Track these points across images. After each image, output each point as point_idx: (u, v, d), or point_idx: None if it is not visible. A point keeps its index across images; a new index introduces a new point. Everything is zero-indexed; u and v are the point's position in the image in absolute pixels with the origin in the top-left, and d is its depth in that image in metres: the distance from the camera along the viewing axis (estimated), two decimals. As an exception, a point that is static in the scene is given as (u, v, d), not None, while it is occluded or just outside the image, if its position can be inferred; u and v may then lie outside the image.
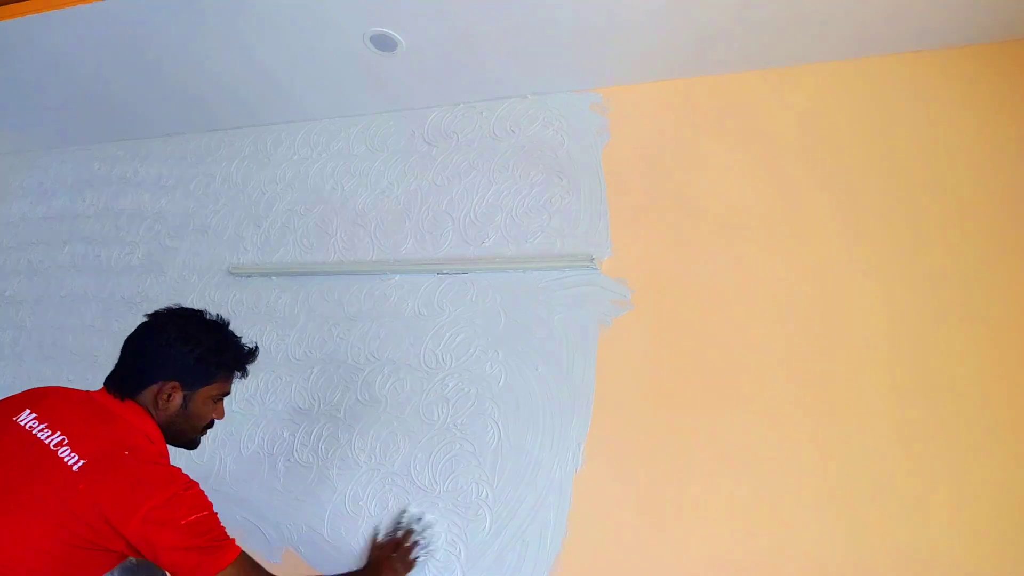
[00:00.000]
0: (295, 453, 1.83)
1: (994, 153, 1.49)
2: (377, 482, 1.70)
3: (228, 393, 1.36)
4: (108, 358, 2.26)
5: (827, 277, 1.52)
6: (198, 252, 2.27)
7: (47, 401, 1.22)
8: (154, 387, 1.24)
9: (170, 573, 1.11)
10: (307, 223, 2.13)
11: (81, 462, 1.10)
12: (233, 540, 1.16)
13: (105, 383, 1.27)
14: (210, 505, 1.17)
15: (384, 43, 1.82)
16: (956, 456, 1.32)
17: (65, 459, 1.10)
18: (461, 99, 2.05)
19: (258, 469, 1.85)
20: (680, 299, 1.61)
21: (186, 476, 1.17)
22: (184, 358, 1.26)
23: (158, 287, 2.28)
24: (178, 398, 1.26)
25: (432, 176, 2.01)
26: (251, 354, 1.37)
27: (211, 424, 1.36)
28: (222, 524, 1.17)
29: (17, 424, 1.16)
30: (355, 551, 1.65)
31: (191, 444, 1.35)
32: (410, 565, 1.46)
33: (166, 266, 2.30)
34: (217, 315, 1.35)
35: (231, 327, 1.36)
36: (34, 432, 1.14)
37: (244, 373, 1.38)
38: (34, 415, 1.17)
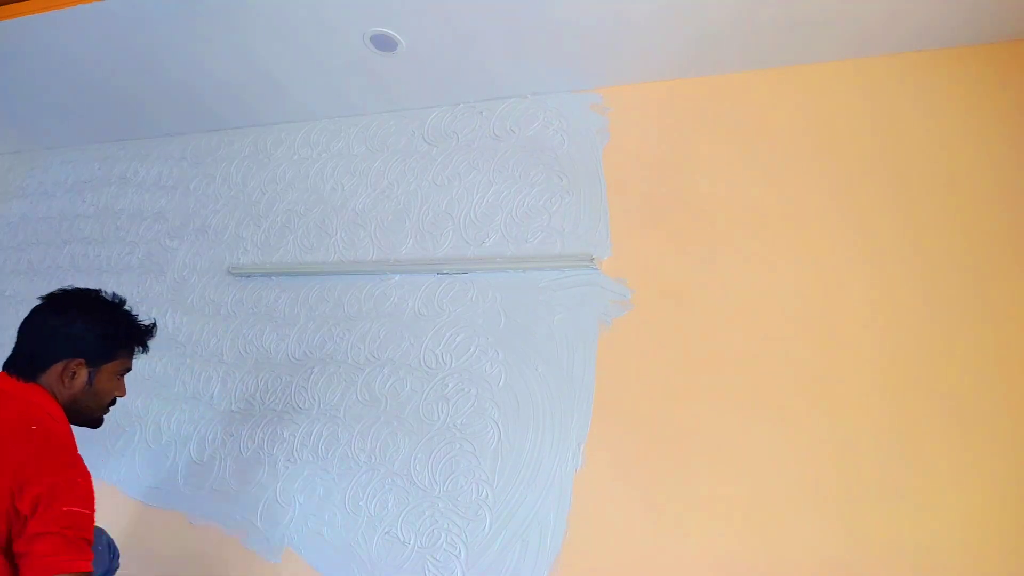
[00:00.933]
0: (295, 453, 1.83)
1: (995, 153, 1.49)
2: (377, 482, 1.70)
3: (130, 369, 1.38)
4: (108, 358, 2.24)
5: (827, 276, 1.52)
6: (198, 252, 2.27)
7: None
8: (58, 366, 1.25)
9: (16, 551, 1.08)
10: (307, 223, 2.13)
11: None
12: (91, 556, 1.13)
13: (3, 367, 1.27)
14: (94, 506, 1.16)
15: (384, 43, 1.82)
16: (957, 456, 1.32)
17: None
18: (461, 99, 2.05)
19: (258, 469, 1.85)
20: (680, 299, 1.61)
21: (84, 465, 1.18)
22: (87, 335, 1.28)
23: (158, 287, 2.28)
24: (83, 375, 1.27)
25: (432, 176, 2.01)
26: (149, 331, 1.40)
27: (114, 401, 1.36)
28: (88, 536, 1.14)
29: None
30: (355, 551, 1.65)
31: (95, 422, 1.35)
32: None
33: (166, 266, 2.30)
34: (112, 293, 1.37)
35: (128, 308, 1.37)
36: None
37: (145, 348, 1.40)
38: None
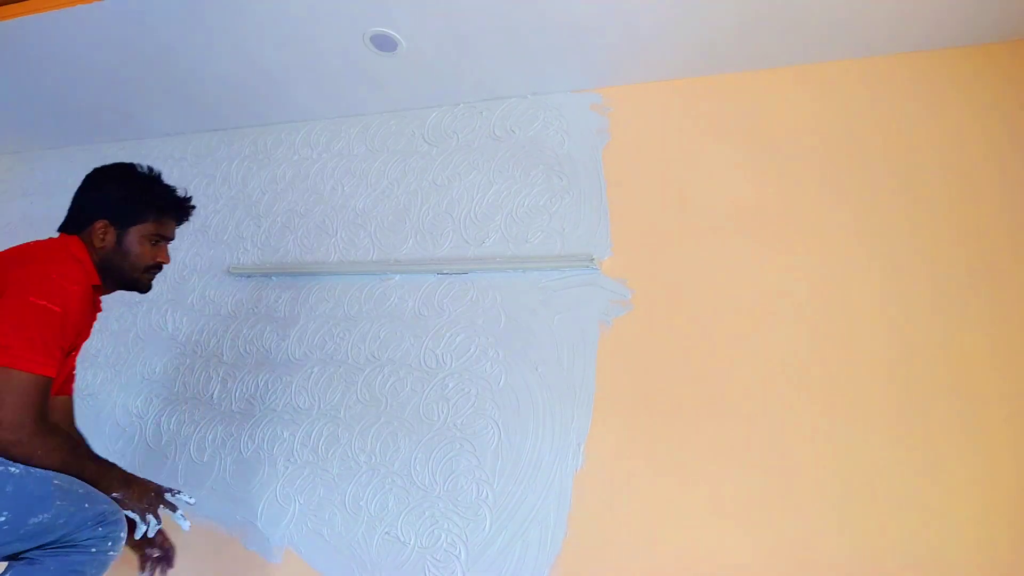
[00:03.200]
0: (295, 453, 1.83)
1: (997, 153, 1.49)
2: (377, 482, 1.70)
3: (167, 237, 1.46)
4: (108, 358, 2.26)
5: (827, 276, 1.52)
6: (198, 252, 2.27)
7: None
8: (90, 227, 1.36)
9: None
10: (307, 223, 2.13)
11: None
12: (51, 365, 1.16)
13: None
14: (72, 311, 1.19)
15: (384, 43, 1.81)
16: (962, 456, 1.32)
17: None
18: (461, 99, 2.05)
19: (258, 469, 1.85)
20: (680, 299, 1.61)
21: (74, 282, 1.22)
22: (112, 197, 1.39)
23: (158, 287, 2.26)
24: (111, 235, 1.36)
25: (432, 176, 2.01)
26: (179, 201, 1.47)
27: (157, 267, 1.45)
28: (61, 344, 1.18)
29: None
30: (355, 551, 1.65)
31: (137, 285, 1.43)
32: (155, 499, 1.32)
33: (166, 266, 2.30)
34: (147, 167, 1.46)
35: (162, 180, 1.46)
36: None
37: (178, 217, 1.48)
38: None
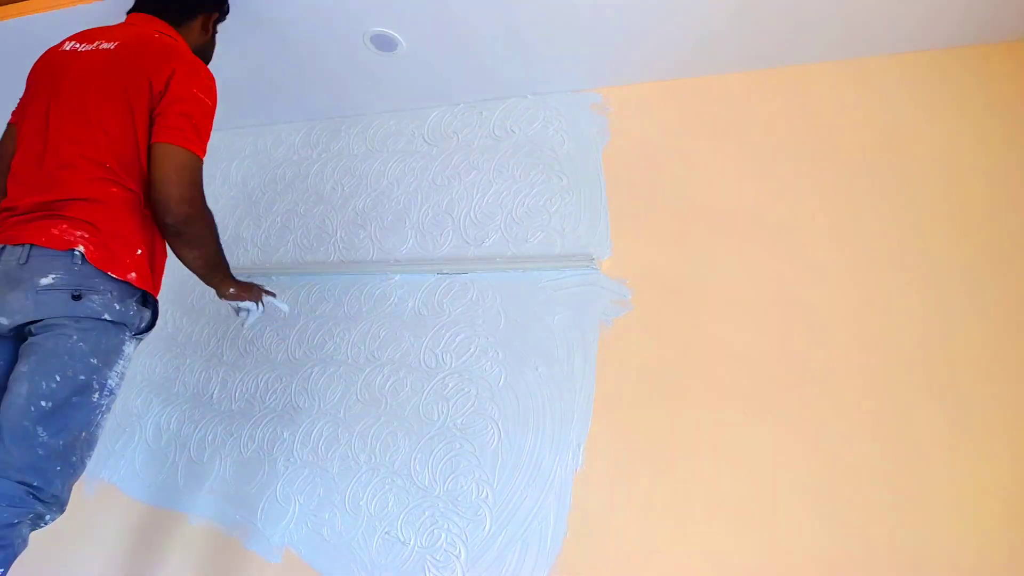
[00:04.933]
0: (295, 453, 1.83)
1: (993, 154, 1.49)
2: (377, 482, 1.70)
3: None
4: (108, 358, 2.23)
5: (827, 276, 1.52)
6: (198, 252, 2.26)
7: (84, 32, 1.43)
8: (195, 20, 1.49)
9: (155, 117, 1.28)
10: (307, 223, 2.13)
11: (115, 44, 1.32)
12: (205, 151, 1.34)
13: (137, 8, 1.48)
14: (215, 105, 1.37)
15: (384, 43, 1.82)
16: (957, 455, 1.32)
17: (103, 48, 1.32)
18: (461, 99, 2.05)
19: (258, 469, 1.85)
20: (680, 299, 1.61)
21: (213, 79, 1.38)
22: None
23: (158, 287, 2.28)
24: (211, 29, 1.54)
25: (432, 176, 2.01)
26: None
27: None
28: (209, 133, 1.36)
29: (63, 51, 1.38)
30: (355, 551, 1.65)
31: None
32: (256, 293, 1.62)
33: (166, 266, 2.30)
34: None
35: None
36: (78, 49, 1.35)
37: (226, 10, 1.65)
38: (74, 42, 1.39)
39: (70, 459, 1.19)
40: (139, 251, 1.29)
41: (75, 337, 1.19)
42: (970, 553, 1.26)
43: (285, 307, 1.69)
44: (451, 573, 1.56)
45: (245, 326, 1.76)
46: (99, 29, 1.40)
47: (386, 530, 1.65)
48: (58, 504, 1.20)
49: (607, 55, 1.76)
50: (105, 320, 1.22)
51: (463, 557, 1.56)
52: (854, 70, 1.66)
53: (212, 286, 1.54)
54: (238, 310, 1.60)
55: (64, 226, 1.21)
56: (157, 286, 1.37)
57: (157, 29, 1.41)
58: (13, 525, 1.12)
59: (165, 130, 1.27)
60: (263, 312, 1.61)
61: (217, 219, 2.25)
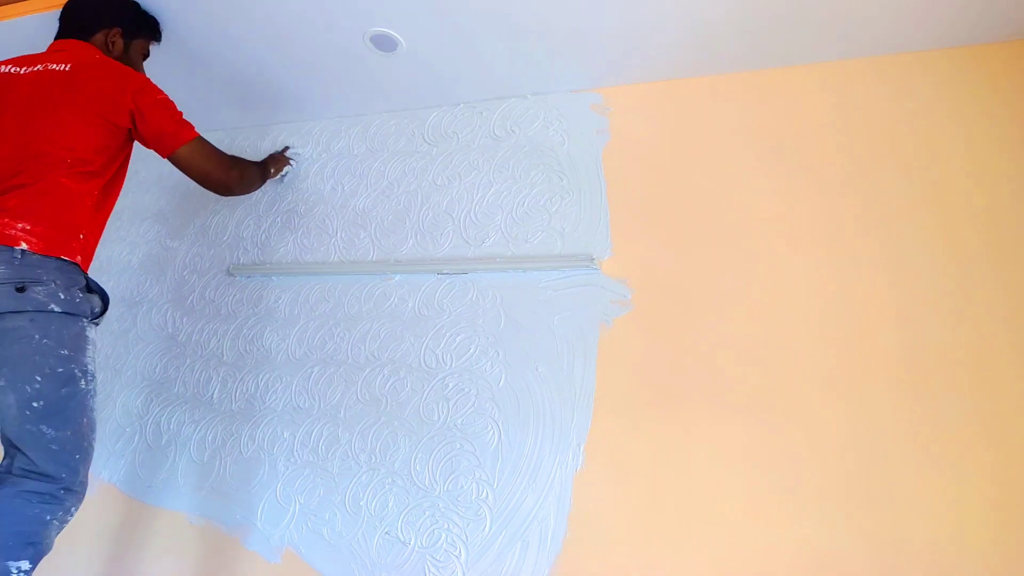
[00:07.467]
0: (295, 453, 1.83)
1: (1015, 152, 1.48)
2: (377, 482, 1.70)
3: (147, 56, 1.75)
4: (108, 358, 2.26)
5: (827, 276, 1.52)
6: (198, 252, 2.27)
7: (13, 59, 1.50)
8: (100, 34, 1.57)
9: (151, 140, 1.49)
10: (307, 223, 2.13)
11: (68, 66, 1.43)
12: (192, 126, 1.55)
13: (57, 37, 1.58)
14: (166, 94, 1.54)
15: (384, 43, 1.81)
16: (959, 456, 1.32)
17: (56, 69, 1.43)
18: (461, 99, 2.05)
19: (258, 469, 1.85)
20: (680, 299, 1.61)
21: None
22: (127, 7, 1.64)
23: (158, 287, 2.28)
24: (120, 44, 1.60)
25: (432, 176, 2.01)
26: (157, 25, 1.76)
27: None
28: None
29: (1, 73, 1.46)
30: (355, 551, 1.65)
31: None
32: (282, 161, 2.11)
33: (166, 266, 2.30)
34: None
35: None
36: (16, 72, 1.45)
37: (157, 39, 1.78)
38: (9, 65, 1.47)
39: (82, 445, 1.25)
40: (81, 235, 1.36)
41: (36, 336, 1.21)
42: (973, 555, 1.26)
43: (300, 151, 2.21)
44: (451, 573, 1.56)
45: (285, 179, 2.19)
46: (34, 56, 1.50)
47: (386, 530, 1.65)
48: (83, 491, 1.27)
49: (607, 55, 1.76)
50: (55, 311, 1.24)
51: (463, 557, 1.56)
52: (857, 69, 1.66)
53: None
54: (282, 178, 2.16)
55: (5, 219, 1.25)
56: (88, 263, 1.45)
57: (93, 53, 1.53)
58: (46, 523, 1.18)
59: (164, 139, 1.49)
60: (293, 165, 2.17)
61: (217, 219, 2.29)
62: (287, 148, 2.18)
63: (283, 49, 1.91)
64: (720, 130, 1.73)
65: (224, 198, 2.30)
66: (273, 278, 2.10)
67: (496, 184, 1.91)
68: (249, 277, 2.14)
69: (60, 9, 1.64)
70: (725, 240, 1.62)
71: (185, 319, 2.18)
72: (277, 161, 2.08)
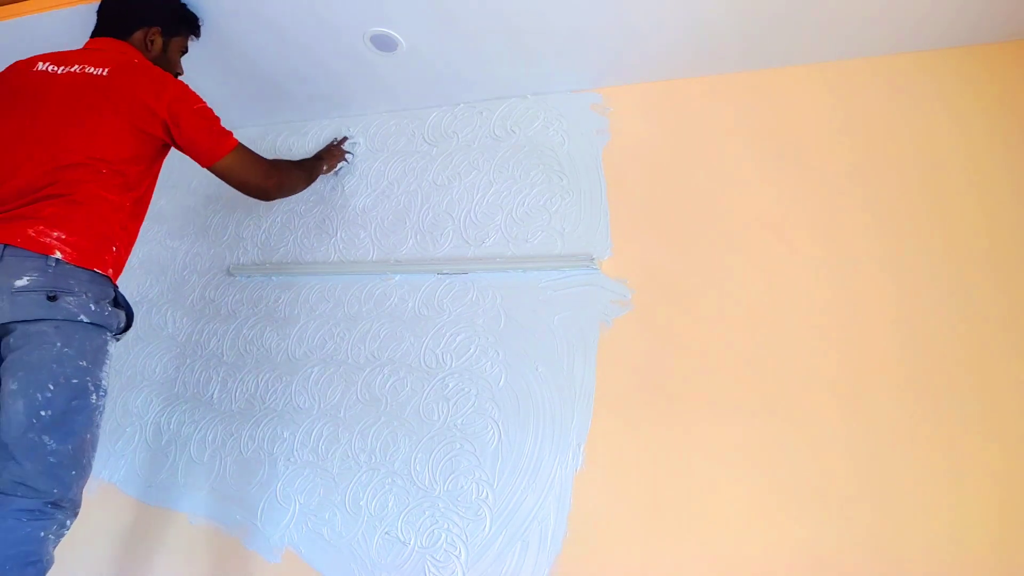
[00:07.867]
0: (295, 453, 1.83)
1: (1007, 153, 1.48)
2: (377, 482, 1.70)
3: (185, 51, 1.72)
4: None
5: (827, 276, 1.52)
6: (198, 252, 2.27)
7: (52, 54, 1.48)
8: (140, 33, 1.56)
9: (180, 145, 1.46)
10: (307, 223, 2.13)
11: (106, 70, 1.41)
12: (232, 133, 1.53)
13: (93, 35, 1.57)
14: (204, 101, 1.51)
15: (384, 43, 1.81)
16: (959, 457, 1.32)
17: (93, 73, 1.41)
18: (461, 99, 2.05)
19: (258, 469, 1.85)
20: (680, 299, 1.61)
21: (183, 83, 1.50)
22: (165, 6, 1.62)
23: (158, 287, 2.28)
24: (159, 44, 1.59)
25: (432, 176, 2.01)
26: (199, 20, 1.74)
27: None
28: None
29: (38, 71, 1.43)
30: (355, 551, 1.65)
31: None
32: (338, 154, 2.06)
33: (166, 266, 2.30)
34: None
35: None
36: (54, 71, 1.42)
37: (197, 34, 1.75)
38: (47, 62, 1.44)
39: (81, 462, 1.22)
40: (114, 248, 1.36)
41: (58, 344, 1.20)
42: (973, 555, 1.26)
43: (358, 140, 2.15)
44: (451, 573, 1.56)
45: (339, 173, 2.12)
46: (71, 53, 1.49)
47: (386, 530, 1.65)
48: (75, 508, 1.22)
49: (607, 55, 1.76)
50: (83, 322, 1.24)
51: (463, 557, 1.56)
52: (857, 69, 1.66)
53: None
54: (336, 172, 2.09)
55: (41, 227, 1.24)
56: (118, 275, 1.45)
57: (131, 56, 1.51)
58: (41, 539, 1.15)
59: (203, 152, 1.48)
60: (352, 156, 2.11)
61: (217, 219, 2.29)
62: (344, 139, 2.11)
63: (283, 49, 1.91)
64: (720, 130, 1.73)
65: (224, 198, 2.30)
66: (273, 278, 2.10)
67: (496, 184, 1.91)
68: (249, 277, 2.14)
69: (97, 2, 1.63)
70: (725, 240, 1.62)
71: (185, 319, 2.18)
72: (332, 156, 2.01)
